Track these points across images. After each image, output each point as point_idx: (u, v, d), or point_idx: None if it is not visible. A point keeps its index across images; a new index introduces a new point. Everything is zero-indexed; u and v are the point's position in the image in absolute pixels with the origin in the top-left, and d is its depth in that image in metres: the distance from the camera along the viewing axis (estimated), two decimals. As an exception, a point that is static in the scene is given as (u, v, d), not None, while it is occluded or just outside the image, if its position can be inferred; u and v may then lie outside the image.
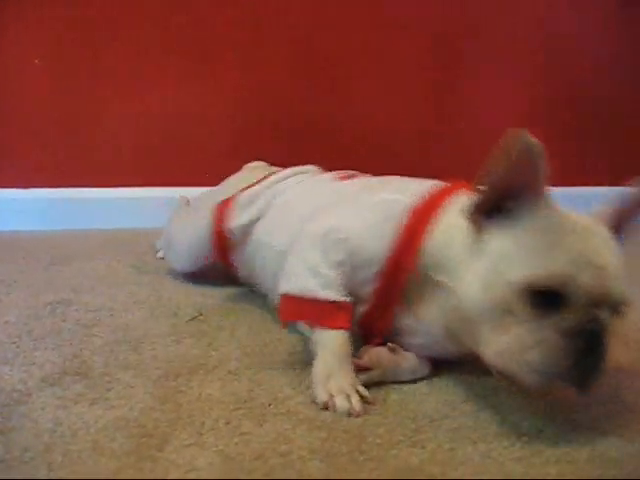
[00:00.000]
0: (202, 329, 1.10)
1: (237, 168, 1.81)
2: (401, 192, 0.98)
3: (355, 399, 0.84)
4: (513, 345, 0.78)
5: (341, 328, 0.91)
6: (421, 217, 0.92)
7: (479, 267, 0.83)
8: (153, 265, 1.47)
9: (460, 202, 0.89)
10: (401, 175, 1.12)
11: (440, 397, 0.89)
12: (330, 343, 0.91)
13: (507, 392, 0.91)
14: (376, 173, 1.23)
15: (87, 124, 1.85)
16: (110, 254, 1.56)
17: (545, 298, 0.77)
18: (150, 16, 1.82)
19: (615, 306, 0.80)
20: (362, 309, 0.96)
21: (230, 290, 1.30)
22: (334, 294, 0.92)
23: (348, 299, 0.93)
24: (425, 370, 0.95)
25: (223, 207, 1.25)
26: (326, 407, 0.84)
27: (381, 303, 0.95)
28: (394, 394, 0.89)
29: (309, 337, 0.95)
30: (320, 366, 0.89)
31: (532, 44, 2.03)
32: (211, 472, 0.70)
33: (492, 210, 0.83)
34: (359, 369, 0.90)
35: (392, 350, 0.93)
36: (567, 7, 2.04)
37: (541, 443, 0.79)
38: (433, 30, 1.96)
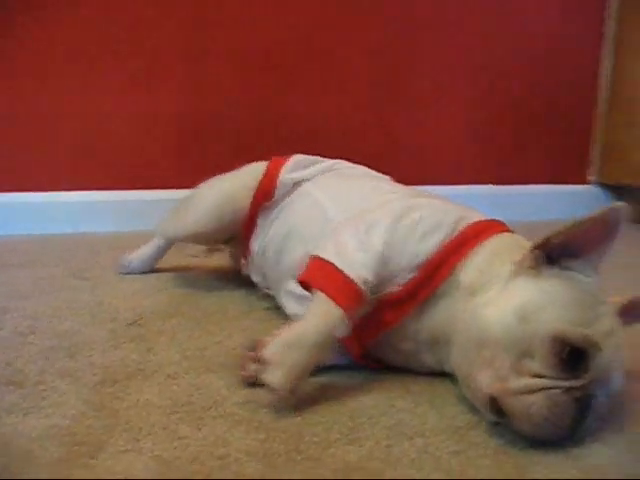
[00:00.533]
0: (141, 334, 1.09)
1: (181, 169, 1.81)
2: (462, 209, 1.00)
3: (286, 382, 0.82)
4: (520, 388, 0.78)
5: (346, 310, 0.87)
6: (475, 232, 0.94)
7: (522, 298, 0.83)
8: (93, 271, 1.45)
9: (506, 238, 0.94)
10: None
11: (378, 394, 0.89)
12: (318, 312, 0.87)
13: (444, 387, 0.92)
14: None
15: (25, 125, 1.81)
16: (49, 260, 1.53)
17: (570, 355, 0.78)
18: (93, 15, 1.79)
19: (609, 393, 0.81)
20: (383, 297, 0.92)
21: (172, 293, 1.29)
22: (364, 275, 0.88)
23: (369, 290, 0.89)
24: (338, 358, 0.95)
25: (281, 160, 1.25)
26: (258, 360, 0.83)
27: (406, 296, 0.92)
28: (331, 391, 0.90)
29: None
30: (294, 331, 0.86)
31: (469, 46, 2.05)
32: (148, 478, 0.69)
33: (552, 257, 0.85)
34: (254, 360, 0.87)
35: None
36: (503, 10, 2.07)
37: (477, 436, 0.80)
38: (381, 32, 1.97)
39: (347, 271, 0.88)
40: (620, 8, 2.12)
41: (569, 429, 0.77)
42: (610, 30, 2.14)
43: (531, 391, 0.77)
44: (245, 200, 1.24)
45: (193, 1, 1.83)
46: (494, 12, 2.06)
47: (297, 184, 1.21)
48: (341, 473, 0.71)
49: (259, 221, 1.23)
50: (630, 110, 2.06)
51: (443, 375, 0.94)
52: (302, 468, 0.72)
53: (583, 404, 0.77)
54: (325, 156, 1.29)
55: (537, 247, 0.85)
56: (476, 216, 0.99)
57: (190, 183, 1.82)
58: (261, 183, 1.23)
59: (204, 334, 1.09)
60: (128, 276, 1.40)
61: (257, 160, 1.29)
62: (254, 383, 0.88)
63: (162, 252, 1.45)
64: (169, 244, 1.43)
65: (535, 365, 0.78)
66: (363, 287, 0.88)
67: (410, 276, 0.91)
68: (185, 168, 1.86)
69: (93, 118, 1.82)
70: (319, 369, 0.92)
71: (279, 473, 0.71)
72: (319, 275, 0.91)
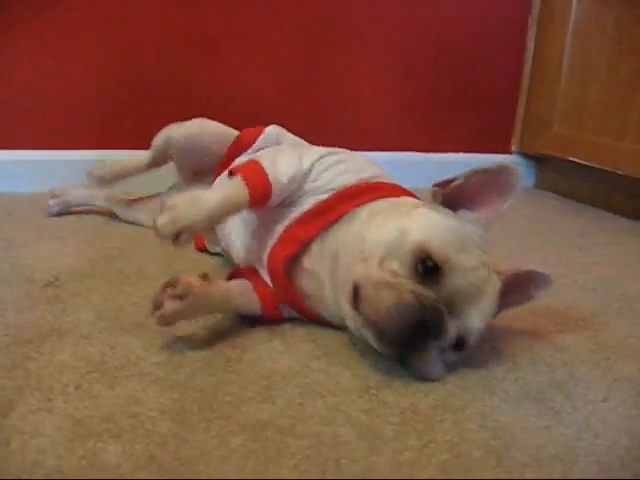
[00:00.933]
0: (57, 295, 1.07)
1: (99, 130, 1.78)
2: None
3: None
4: (379, 279, 0.84)
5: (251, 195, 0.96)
6: (388, 189, 1.03)
7: (411, 221, 0.90)
8: (8, 231, 1.41)
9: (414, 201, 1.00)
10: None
11: (294, 355, 0.91)
12: (230, 189, 0.97)
13: (359, 349, 0.94)
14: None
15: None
16: (-38, 219, 1.49)
17: (426, 267, 0.83)
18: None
19: (462, 333, 0.85)
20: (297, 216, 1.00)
21: (89, 254, 1.27)
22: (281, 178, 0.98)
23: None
24: (251, 305, 0.99)
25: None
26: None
27: (315, 214, 0.99)
28: (250, 353, 0.90)
29: None
30: (200, 192, 0.95)
31: (397, 13, 2.06)
32: (58, 436, 0.69)
33: (450, 205, 0.92)
34: (172, 296, 0.89)
35: (205, 278, 0.94)
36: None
37: (388, 395, 0.82)
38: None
39: (268, 171, 0.98)
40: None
41: (409, 333, 0.81)
42: (535, 4, 2.17)
43: (387, 285, 0.83)
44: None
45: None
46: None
47: None
48: (252, 430, 0.72)
49: None
50: (551, 83, 2.11)
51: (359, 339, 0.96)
52: (214, 426, 0.73)
53: (429, 316, 0.81)
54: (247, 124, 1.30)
55: (437, 185, 0.93)
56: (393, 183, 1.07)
57: (106, 144, 1.81)
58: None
59: (120, 295, 1.08)
60: (44, 236, 1.36)
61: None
62: (168, 323, 0.89)
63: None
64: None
65: (397, 266, 0.85)
66: (274, 184, 0.97)
67: (322, 197, 1.00)
68: (102, 129, 1.83)
69: (5, 76, 1.75)
70: (235, 328, 0.94)
71: (191, 431, 0.71)
72: (246, 168, 1.00)
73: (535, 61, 2.19)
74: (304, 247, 0.99)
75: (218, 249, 1.28)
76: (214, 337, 0.94)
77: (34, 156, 1.76)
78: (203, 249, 1.32)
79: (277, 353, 0.91)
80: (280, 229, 1.01)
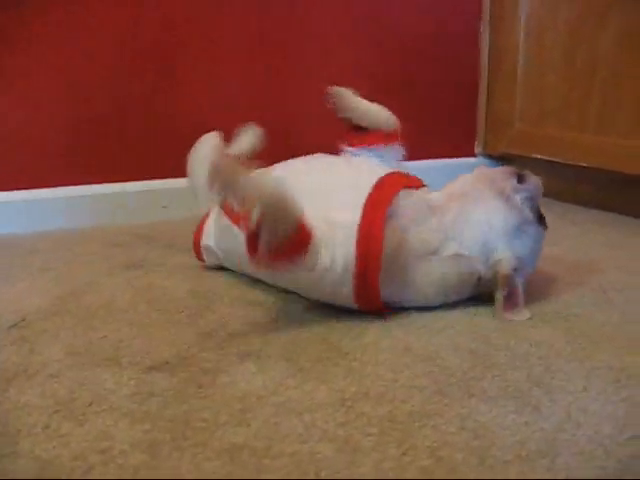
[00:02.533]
0: (23, 335, 1.04)
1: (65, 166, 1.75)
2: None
3: None
4: None
5: None
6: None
7: None
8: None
9: None
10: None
11: (268, 374, 0.89)
12: None
13: (332, 362, 0.92)
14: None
15: None
16: None
17: None
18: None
19: None
20: None
21: (56, 292, 1.24)
22: None
23: None
24: None
25: None
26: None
27: None
28: (222, 377, 0.89)
29: None
30: None
31: (358, 19, 2.06)
32: (26, 479, 0.67)
33: None
34: None
35: None
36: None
37: (364, 406, 0.81)
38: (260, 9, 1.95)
39: None
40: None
41: None
42: (486, 6, 2.19)
43: None
44: None
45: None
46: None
47: None
48: (227, 454, 0.71)
49: None
50: (509, 82, 2.12)
51: (332, 350, 0.95)
52: (188, 454, 0.71)
53: None
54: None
55: None
56: None
57: (76, 180, 1.78)
58: None
59: (90, 330, 1.05)
60: (11, 277, 1.34)
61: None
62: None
63: None
64: None
65: None
66: None
67: None
68: (66, 166, 1.81)
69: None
70: (207, 352, 0.92)
71: (164, 460, 0.70)
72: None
73: (491, 62, 2.20)
74: None
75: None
76: (185, 363, 0.93)
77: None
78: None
79: (250, 374, 0.89)
80: None
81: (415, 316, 1.09)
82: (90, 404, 0.82)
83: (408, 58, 2.15)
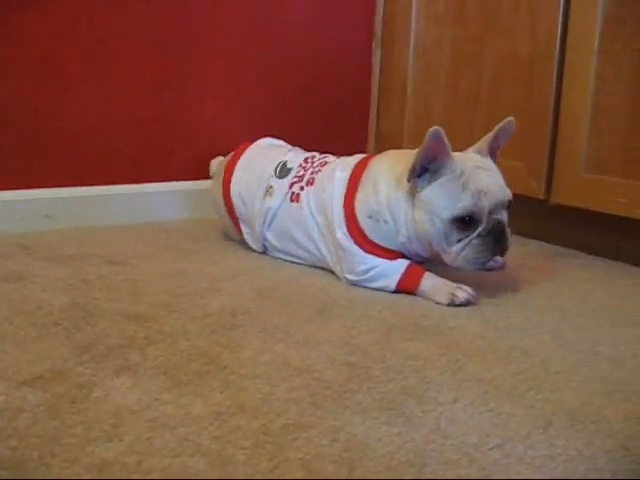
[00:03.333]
0: None
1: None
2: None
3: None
4: (456, 252, 1.27)
5: None
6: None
7: (420, 212, 1.29)
8: None
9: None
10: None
11: (143, 389, 0.88)
12: None
13: (210, 376, 0.92)
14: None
15: None
16: None
17: (465, 222, 1.24)
18: None
19: (507, 205, 1.30)
20: None
21: None
22: None
23: None
24: None
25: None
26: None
27: None
28: (97, 391, 0.87)
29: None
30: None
31: (247, 40, 2.07)
32: None
33: (421, 173, 1.27)
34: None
35: None
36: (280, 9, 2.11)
37: (239, 420, 0.81)
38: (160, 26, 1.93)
39: None
40: (384, 5, 2.24)
41: (496, 248, 1.31)
42: (378, 23, 2.25)
43: (460, 250, 1.29)
44: None
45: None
46: (266, 6, 2.09)
47: None
48: (96, 470, 0.70)
49: None
50: (398, 101, 2.18)
51: (210, 363, 0.96)
52: (56, 470, 0.69)
53: (492, 234, 1.29)
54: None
55: (409, 177, 1.28)
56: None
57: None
58: None
59: None
60: None
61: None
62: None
63: None
64: None
65: (455, 239, 1.30)
66: None
67: None
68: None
69: None
70: (82, 366, 0.90)
71: (29, 477, 0.68)
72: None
73: (382, 81, 2.26)
74: None
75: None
76: (59, 378, 0.90)
77: None
78: None
79: (126, 388, 0.88)
80: None
81: (295, 329, 1.11)
82: (-46, 421, 0.79)
83: (301, 73, 2.18)
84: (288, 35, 2.14)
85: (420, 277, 1.33)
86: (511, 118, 1.36)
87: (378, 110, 2.28)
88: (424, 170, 1.27)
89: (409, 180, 1.29)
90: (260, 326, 1.11)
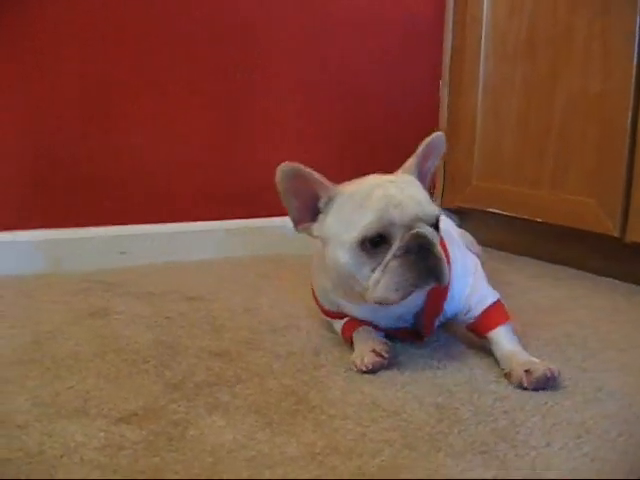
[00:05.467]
0: (-14, 384, 1.03)
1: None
2: None
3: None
4: (373, 283, 1.05)
5: None
6: None
7: (328, 249, 1.11)
8: None
9: None
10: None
11: (237, 428, 0.90)
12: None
13: (301, 415, 0.93)
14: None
15: None
16: None
17: (373, 244, 1.05)
18: None
19: (428, 220, 1.07)
20: None
21: (18, 340, 1.23)
22: None
23: None
24: None
25: None
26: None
27: None
28: (191, 429, 0.89)
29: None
30: None
31: (309, 78, 2.11)
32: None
33: (312, 215, 1.13)
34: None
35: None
36: (347, 45, 2.15)
37: (335, 460, 0.82)
38: (218, 72, 1.98)
39: None
40: (453, 44, 2.26)
41: (422, 268, 1.06)
42: (445, 64, 2.27)
43: (378, 279, 1.07)
44: None
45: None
46: (338, 47, 2.13)
47: None
48: (202, 509, 0.71)
49: None
50: (467, 139, 2.18)
51: (300, 403, 0.96)
52: (162, 508, 0.71)
53: (412, 250, 1.06)
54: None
55: (297, 227, 1.15)
56: None
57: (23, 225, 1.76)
58: None
59: (55, 380, 1.05)
60: (-30, 324, 1.32)
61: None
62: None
63: None
64: None
65: (372, 265, 1.08)
66: None
67: None
68: (28, 210, 1.80)
69: None
70: (174, 404, 0.92)
71: (138, 516, 0.70)
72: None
73: (450, 119, 2.27)
74: None
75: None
76: (154, 416, 0.93)
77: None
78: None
79: (220, 427, 0.90)
80: None
81: (379, 371, 1.11)
82: (60, 457, 0.81)
83: (369, 113, 2.21)
84: (354, 76, 2.17)
85: (352, 330, 1.20)
86: (440, 133, 1.24)
87: (446, 150, 2.29)
88: (316, 212, 1.13)
89: (296, 229, 1.15)
90: (344, 366, 1.12)
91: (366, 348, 1.12)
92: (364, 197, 1.08)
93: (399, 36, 2.23)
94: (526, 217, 1.96)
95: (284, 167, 1.09)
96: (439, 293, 1.17)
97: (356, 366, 1.10)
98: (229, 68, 1.98)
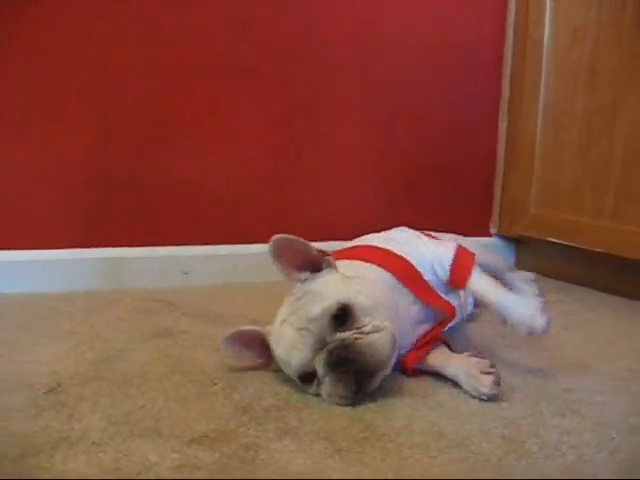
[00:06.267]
0: (62, 400, 1.06)
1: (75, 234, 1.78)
2: None
3: None
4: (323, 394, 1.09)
5: None
6: None
7: None
8: (5, 332, 1.41)
9: None
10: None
11: (308, 453, 0.91)
12: None
13: (369, 443, 0.94)
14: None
15: None
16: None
17: (304, 378, 1.10)
18: None
19: (338, 314, 1.06)
20: None
21: (88, 356, 1.27)
22: None
23: None
24: None
25: None
26: None
27: None
28: (262, 453, 0.90)
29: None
30: None
31: (372, 104, 2.14)
32: None
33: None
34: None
35: None
36: (405, 71, 2.17)
37: (405, 490, 0.83)
38: (279, 98, 2.02)
39: None
40: (512, 71, 2.27)
41: (346, 384, 1.06)
42: (505, 92, 2.28)
43: None
44: None
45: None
46: (397, 73, 2.15)
47: None
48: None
49: None
50: (525, 167, 2.18)
51: (367, 430, 0.98)
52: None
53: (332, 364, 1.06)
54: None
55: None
56: None
57: (86, 243, 1.82)
58: None
59: (127, 398, 1.08)
60: (41, 339, 1.36)
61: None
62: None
63: None
64: None
65: None
66: None
67: None
68: (80, 229, 1.85)
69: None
70: (244, 427, 0.94)
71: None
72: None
73: (508, 147, 2.28)
74: None
75: None
76: (225, 438, 0.95)
77: (17, 257, 1.77)
78: None
79: (290, 452, 0.91)
80: None
81: (443, 398, 1.12)
82: (137, 474, 0.83)
83: (428, 139, 2.22)
84: (412, 102, 2.19)
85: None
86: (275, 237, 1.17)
87: (503, 178, 2.30)
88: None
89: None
90: (409, 394, 1.13)
91: (475, 371, 1.13)
92: (277, 341, 1.13)
93: (458, 62, 2.24)
94: (586, 247, 1.95)
95: (276, 238, 1.13)
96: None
97: (485, 394, 1.10)
98: (294, 105, 2.03)
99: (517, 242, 2.31)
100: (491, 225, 2.34)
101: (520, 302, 1.21)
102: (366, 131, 2.14)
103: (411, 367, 1.20)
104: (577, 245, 1.98)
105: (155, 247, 1.90)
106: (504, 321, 1.22)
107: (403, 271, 1.26)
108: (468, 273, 1.27)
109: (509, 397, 1.14)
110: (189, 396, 1.09)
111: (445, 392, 1.15)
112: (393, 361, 1.09)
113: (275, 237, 1.12)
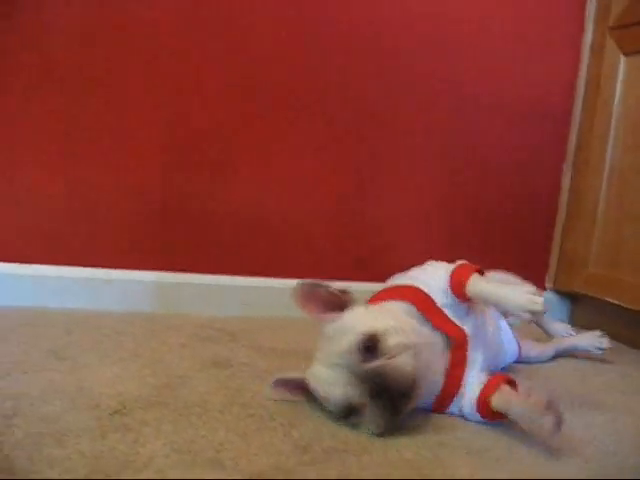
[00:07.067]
0: (126, 423, 1.09)
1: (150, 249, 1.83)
2: None
3: None
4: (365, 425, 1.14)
5: None
6: None
7: None
8: (70, 350, 1.45)
9: None
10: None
11: (367, 499, 0.92)
12: None
13: None
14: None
15: None
16: (24, 337, 1.53)
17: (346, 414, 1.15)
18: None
19: (368, 345, 1.12)
20: None
21: (151, 380, 1.30)
22: None
23: None
24: None
25: None
26: None
27: None
28: (322, 495, 0.92)
29: None
30: None
31: (438, 155, 2.16)
32: None
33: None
34: None
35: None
36: (472, 124, 2.19)
37: None
38: (346, 135, 2.06)
39: None
40: (580, 125, 2.27)
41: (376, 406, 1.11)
42: (571, 147, 2.29)
43: None
44: None
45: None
46: (466, 122, 2.18)
47: None
48: None
49: None
50: (587, 224, 2.18)
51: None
52: None
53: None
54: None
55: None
56: None
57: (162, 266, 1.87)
58: None
59: (188, 427, 1.10)
60: (105, 359, 1.40)
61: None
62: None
63: None
64: None
65: None
66: None
67: None
68: (159, 251, 1.90)
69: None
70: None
71: None
72: None
73: (570, 202, 2.28)
74: None
75: None
76: (284, 476, 0.96)
77: (80, 273, 1.82)
78: None
79: (350, 496, 0.92)
80: None
81: (500, 452, 1.12)
82: (202, 506, 0.85)
83: (491, 188, 2.23)
84: (474, 148, 2.21)
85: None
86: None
87: (563, 233, 2.29)
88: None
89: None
90: (465, 447, 1.13)
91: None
92: (315, 382, 1.20)
93: (527, 114, 2.26)
94: (645, 311, 1.93)
95: (299, 284, 1.23)
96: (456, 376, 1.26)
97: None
98: (360, 150, 2.07)
99: (573, 298, 2.29)
100: (547, 279, 2.33)
101: (515, 290, 1.22)
102: (431, 178, 2.16)
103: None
104: (636, 308, 1.96)
105: (217, 275, 1.95)
106: (505, 312, 1.31)
107: (417, 298, 1.28)
108: (466, 278, 1.28)
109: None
110: (248, 430, 1.11)
111: (500, 446, 1.14)
112: (424, 377, 1.14)
113: (297, 284, 1.21)
